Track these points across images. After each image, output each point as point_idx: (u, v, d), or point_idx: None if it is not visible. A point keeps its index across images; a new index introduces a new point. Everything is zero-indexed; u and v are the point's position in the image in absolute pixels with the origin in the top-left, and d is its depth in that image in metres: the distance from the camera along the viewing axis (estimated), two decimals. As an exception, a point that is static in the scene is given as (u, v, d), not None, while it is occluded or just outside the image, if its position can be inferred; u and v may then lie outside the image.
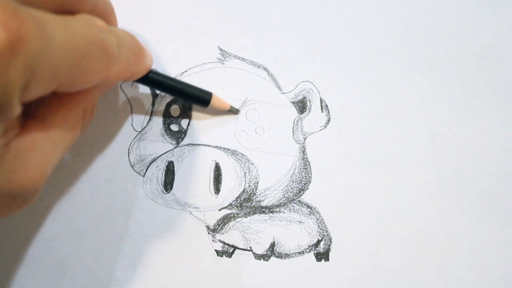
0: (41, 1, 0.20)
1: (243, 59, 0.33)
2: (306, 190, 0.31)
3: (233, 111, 0.31)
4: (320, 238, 0.31)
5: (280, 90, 0.32)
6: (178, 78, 0.32)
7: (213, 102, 0.30)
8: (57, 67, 0.19)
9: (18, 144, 0.21)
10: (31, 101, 0.20)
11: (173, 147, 0.31)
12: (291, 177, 0.31)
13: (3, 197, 0.21)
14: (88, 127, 0.26)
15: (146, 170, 0.31)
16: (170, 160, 0.31)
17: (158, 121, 0.32)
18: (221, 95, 0.32)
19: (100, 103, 0.32)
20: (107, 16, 0.25)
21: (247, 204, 0.31)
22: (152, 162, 0.31)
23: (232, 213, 0.31)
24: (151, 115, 0.32)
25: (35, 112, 0.22)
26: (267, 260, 0.30)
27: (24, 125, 0.21)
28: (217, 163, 0.31)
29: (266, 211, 0.31)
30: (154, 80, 0.29)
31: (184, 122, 0.32)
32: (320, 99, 0.32)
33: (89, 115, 0.26)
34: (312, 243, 0.31)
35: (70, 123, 0.24)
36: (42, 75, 0.18)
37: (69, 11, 0.22)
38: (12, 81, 0.17)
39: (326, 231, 0.31)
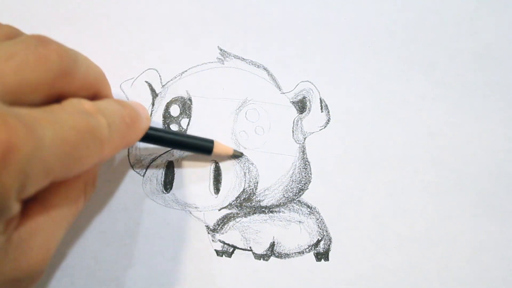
0: (30, 91, 0.20)
1: (243, 59, 0.33)
2: (306, 190, 0.31)
3: (237, 155, 0.31)
4: (320, 238, 0.31)
5: (280, 90, 0.32)
6: (177, 78, 0.32)
7: (216, 149, 0.30)
8: (50, 164, 0.19)
9: (20, 234, 0.21)
10: (29, 197, 0.20)
11: (173, 147, 0.31)
12: (291, 177, 0.31)
13: (10, 283, 0.21)
14: (90, 198, 0.26)
15: (146, 170, 0.31)
16: (170, 160, 0.31)
17: (158, 121, 0.32)
18: (221, 95, 0.32)
19: (100, 103, 0.32)
20: (99, 86, 0.25)
21: (247, 204, 0.31)
22: (152, 162, 0.31)
23: (232, 213, 0.31)
24: (151, 115, 0.32)
25: (35, 195, 0.21)
26: (267, 260, 0.30)
27: (24, 210, 0.21)
28: (217, 163, 0.31)
29: (266, 211, 0.31)
30: (153, 137, 0.28)
31: (184, 122, 0.32)
32: (320, 99, 0.32)
33: (91, 187, 0.25)
34: (312, 243, 0.31)
35: (72, 199, 0.24)
36: (36, 175, 0.18)
37: (60, 92, 0.22)
38: (7, 188, 0.17)
39: (326, 231, 0.31)
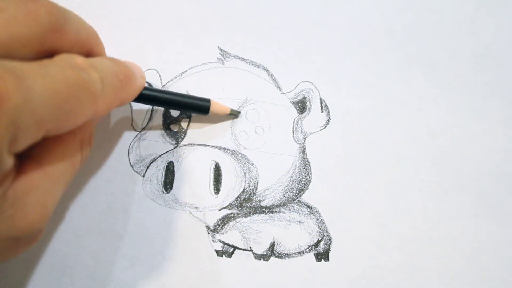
0: (20, 46, 0.20)
1: (243, 59, 0.33)
2: (306, 190, 0.31)
3: (234, 113, 0.31)
4: (320, 238, 0.31)
5: (280, 90, 0.32)
6: (177, 79, 0.32)
7: (213, 108, 0.30)
8: (42, 116, 0.19)
9: (15, 190, 0.21)
10: (22, 151, 0.19)
11: (173, 147, 0.31)
12: (291, 177, 0.31)
13: (7, 241, 0.21)
14: (88, 158, 0.26)
15: (146, 170, 0.31)
16: (170, 160, 0.31)
17: (158, 121, 0.32)
18: (221, 95, 0.32)
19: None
20: (92, 44, 0.25)
21: (247, 204, 0.31)
22: (152, 162, 0.31)
23: (232, 213, 0.31)
24: (151, 115, 0.32)
25: (31, 152, 0.22)
26: (267, 260, 0.30)
27: (20, 167, 0.21)
28: (217, 163, 0.31)
29: (266, 211, 0.31)
30: (148, 97, 0.28)
31: (184, 122, 0.32)
32: (320, 99, 0.32)
33: (87, 145, 0.25)
34: (312, 243, 0.31)
35: (68, 157, 0.23)
36: (28, 127, 0.18)
37: (51, 49, 0.22)
38: None
39: (326, 231, 0.31)
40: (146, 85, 0.29)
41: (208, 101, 0.30)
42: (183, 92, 0.32)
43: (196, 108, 0.30)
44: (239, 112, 0.31)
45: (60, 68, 0.20)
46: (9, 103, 0.17)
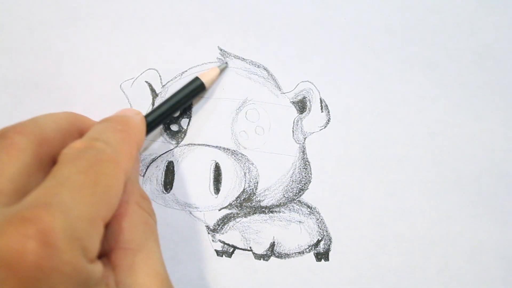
0: (28, 176, 0.21)
1: (243, 59, 0.33)
2: (306, 190, 0.31)
3: (223, 67, 0.32)
4: (320, 238, 0.31)
5: (280, 90, 0.32)
6: (177, 79, 0.32)
7: (206, 82, 0.31)
8: (85, 215, 0.19)
9: (124, 281, 0.21)
10: (100, 251, 0.20)
11: (173, 147, 0.31)
12: (291, 177, 0.31)
13: None
14: (153, 210, 0.25)
15: (146, 170, 0.31)
16: (170, 160, 0.31)
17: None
18: (221, 95, 0.32)
19: (100, 103, 0.32)
20: (76, 124, 0.25)
21: (247, 204, 0.31)
22: (152, 162, 0.31)
23: (232, 213, 0.31)
24: (151, 115, 0.32)
25: (113, 245, 0.22)
26: (267, 260, 0.30)
27: (112, 260, 0.22)
28: (217, 163, 0.31)
29: (266, 211, 0.31)
30: (155, 120, 0.30)
31: (184, 122, 0.32)
32: (320, 99, 0.32)
33: (144, 200, 0.25)
34: (312, 243, 0.31)
35: (138, 223, 0.23)
36: (84, 231, 0.19)
37: (50, 156, 0.22)
38: (74, 261, 0.18)
39: (326, 231, 0.31)
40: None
41: (198, 79, 0.31)
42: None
43: (195, 94, 0.31)
44: (226, 63, 0.32)
45: (70, 166, 0.20)
46: (55, 229, 0.18)
